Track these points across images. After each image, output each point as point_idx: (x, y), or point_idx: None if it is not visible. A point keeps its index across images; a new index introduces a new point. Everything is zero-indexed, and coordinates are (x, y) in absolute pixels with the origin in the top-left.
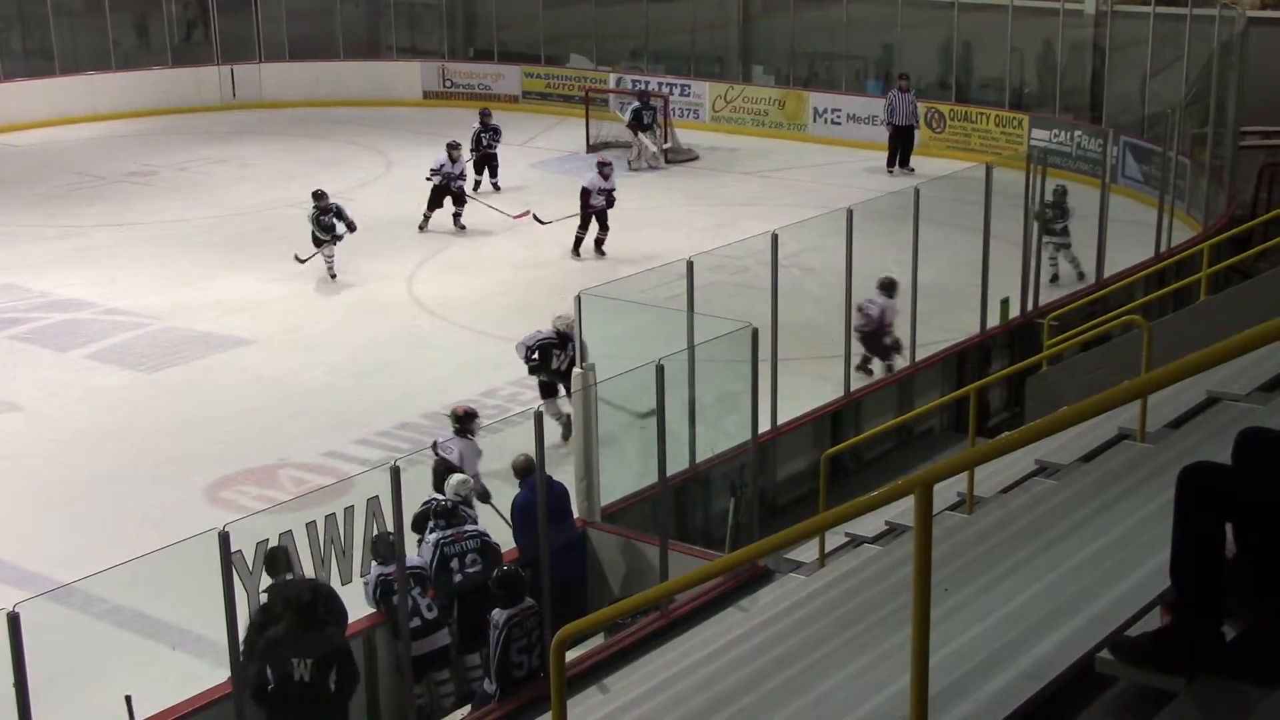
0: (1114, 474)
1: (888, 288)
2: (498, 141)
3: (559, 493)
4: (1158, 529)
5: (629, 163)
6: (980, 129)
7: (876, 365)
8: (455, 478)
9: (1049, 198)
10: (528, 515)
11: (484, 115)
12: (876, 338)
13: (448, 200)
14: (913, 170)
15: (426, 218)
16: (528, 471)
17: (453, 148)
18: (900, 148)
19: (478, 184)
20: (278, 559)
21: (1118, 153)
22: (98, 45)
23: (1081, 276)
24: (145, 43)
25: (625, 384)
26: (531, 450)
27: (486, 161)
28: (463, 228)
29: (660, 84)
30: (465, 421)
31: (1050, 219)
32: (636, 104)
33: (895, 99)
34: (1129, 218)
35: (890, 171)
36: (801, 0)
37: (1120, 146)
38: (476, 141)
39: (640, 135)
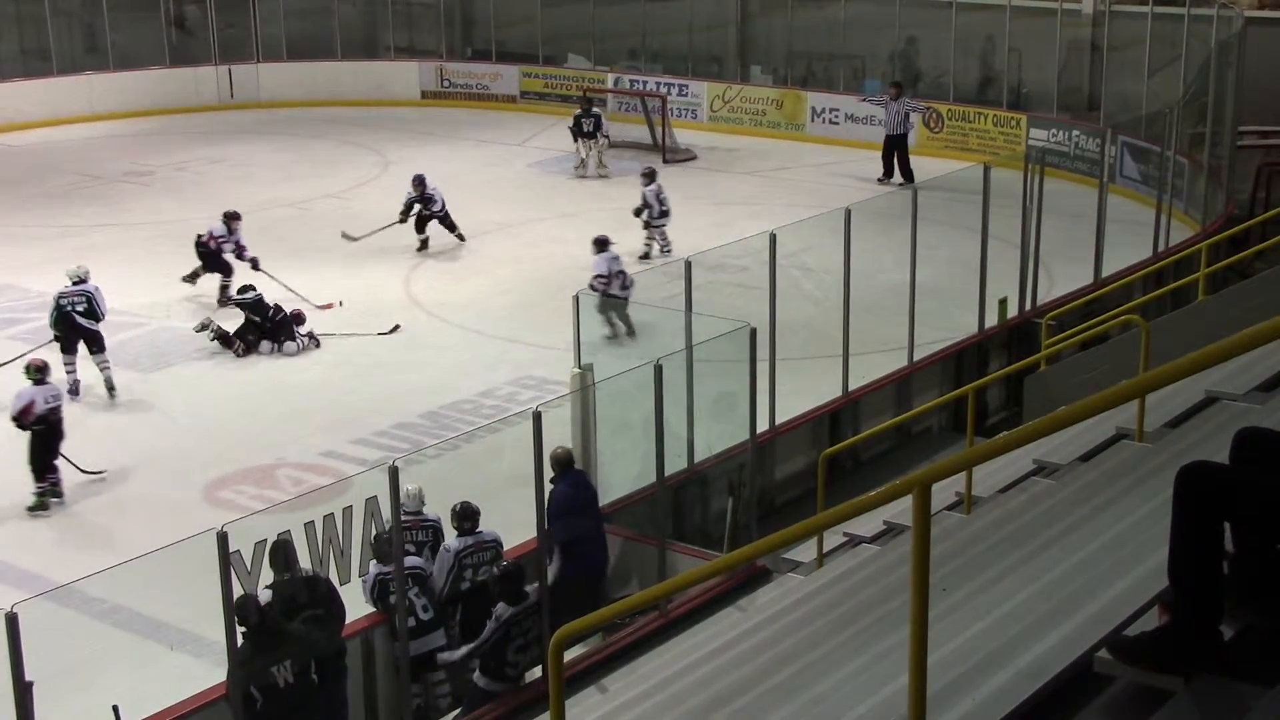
0: (1112, 474)
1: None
2: (432, 211)
3: (593, 493)
4: (1156, 529)
5: (600, 171)
6: (978, 129)
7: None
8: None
9: (655, 194)
10: (562, 509)
11: (418, 182)
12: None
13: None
14: (903, 184)
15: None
16: (567, 465)
17: (231, 218)
18: (893, 158)
19: (425, 243)
20: (282, 554)
21: (1116, 152)
22: (95, 45)
23: (666, 251)
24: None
25: (623, 384)
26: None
27: (438, 220)
28: (226, 301)
29: (658, 84)
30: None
31: (658, 214)
32: (578, 110)
33: (886, 107)
34: (1127, 217)
35: (878, 180)
36: (799, 0)
37: (1118, 146)
38: (407, 207)
39: (579, 143)
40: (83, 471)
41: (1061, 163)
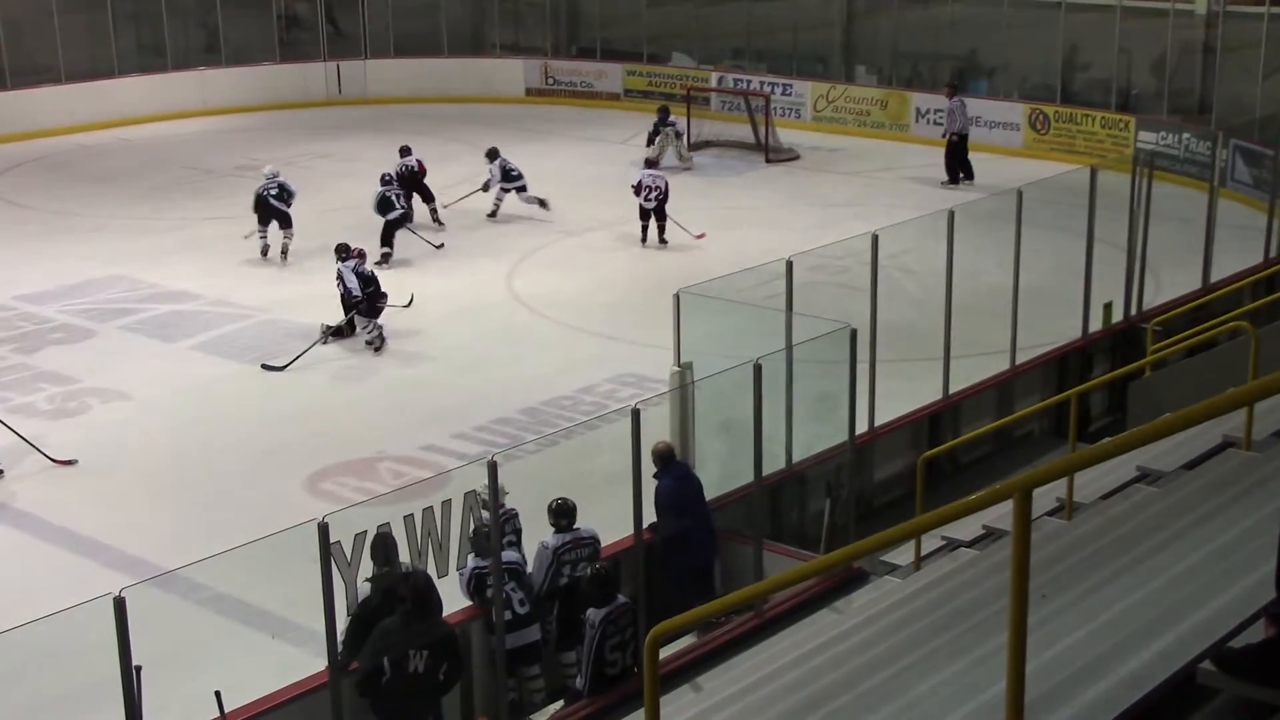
0: (1218, 482)
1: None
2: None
3: (698, 484)
4: (1263, 539)
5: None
6: (1085, 131)
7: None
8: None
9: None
10: (667, 503)
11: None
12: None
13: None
14: (947, 183)
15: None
16: (670, 459)
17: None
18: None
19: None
20: (383, 547)
21: (1227, 156)
22: (208, 42)
23: (544, 205)
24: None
25: (722, 383)
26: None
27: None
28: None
29: (762, 83)
30: None
31: (497, 181)
32: (656, 119)
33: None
34: (1238, 222)
35: (942, 184)
36: (906, 0)
37: (1230, 149)
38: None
39: (660, 139)
40: (53, 460)
41: (1171, 166)
